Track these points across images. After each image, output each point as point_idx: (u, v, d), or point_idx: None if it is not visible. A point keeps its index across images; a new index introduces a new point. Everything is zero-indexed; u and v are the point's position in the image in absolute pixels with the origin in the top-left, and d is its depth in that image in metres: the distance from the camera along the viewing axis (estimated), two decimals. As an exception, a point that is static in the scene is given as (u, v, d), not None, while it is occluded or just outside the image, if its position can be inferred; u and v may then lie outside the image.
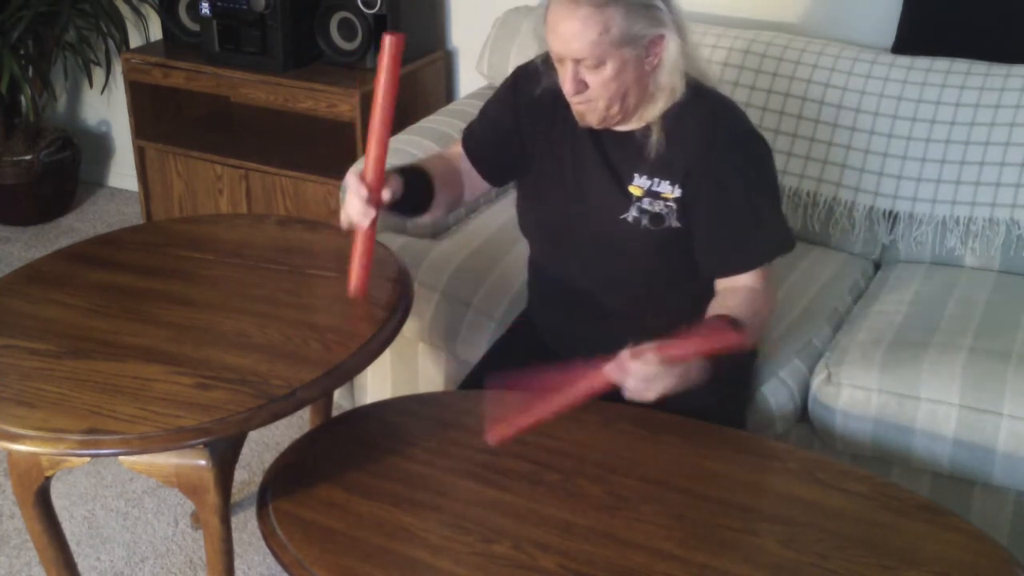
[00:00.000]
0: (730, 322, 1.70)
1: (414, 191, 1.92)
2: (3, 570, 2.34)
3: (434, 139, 2.66)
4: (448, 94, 3.40)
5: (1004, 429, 1.97)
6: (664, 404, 1.83)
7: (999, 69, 2.45)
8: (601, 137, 1.90)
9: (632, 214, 1.88)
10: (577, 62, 1.77)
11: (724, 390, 2.03)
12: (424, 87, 3.27)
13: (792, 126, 2.54)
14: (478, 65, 3.02)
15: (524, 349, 2.06)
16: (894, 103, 2.48)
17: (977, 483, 2.04)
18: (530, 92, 1.97)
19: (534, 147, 1.99)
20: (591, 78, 1.78)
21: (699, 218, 1.86)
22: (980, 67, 2.47)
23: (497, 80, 2.96)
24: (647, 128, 1.86)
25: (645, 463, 1.72)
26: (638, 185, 1.88)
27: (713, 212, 1.85)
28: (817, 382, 2.12)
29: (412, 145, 2.62)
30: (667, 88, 1.82)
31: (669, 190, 1.86)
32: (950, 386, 2.02)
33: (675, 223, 1.87)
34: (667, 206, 1.86)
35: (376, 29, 3.11)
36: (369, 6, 3.08)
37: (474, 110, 2.84)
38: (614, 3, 1.73)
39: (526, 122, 1.99)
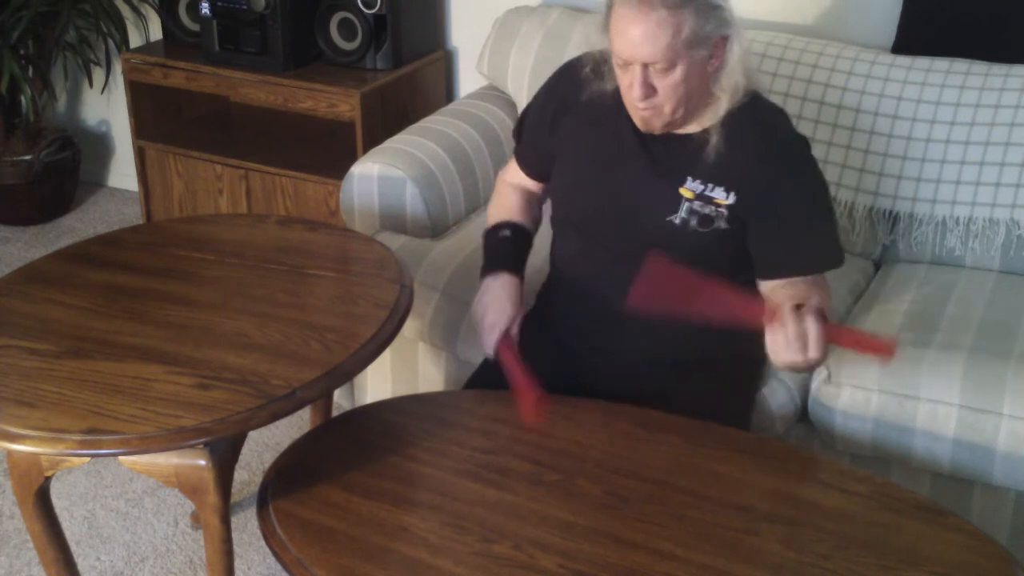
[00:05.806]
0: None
1: (523, 257, 2.07)
2: (3, 570, 2.34)
3: (433, 139, 2.66)
4: (448, 94, 3.40)
5: (1004, 429, 1.97)
6: (669, 404, 1.84)
7: (999, 69, 2.45)
8: (647, 139, 1.89)
9: (681, 215, 1.86)
10: (646, 66, 1.74)
11: (734, 390, 2.03)
12: (424, 87, 3.27)
13: (792, 126, 2.54)
14: (478, 65, 3.01)
15: (532, 346, 2.04)
16: (894, 103, 2.48)
17: (977, 483, 2.03)
18: (570, 95, 1.96)
19: (568, 145, 1.98)
20: (659, 82, 1.76)
21: (753, 225, 1.85)
22: (980, 67, 2.46)
23: (497, 80, 2.96)
24: (706, 132, 1.84)
25: (645, 463, 1.72)
26: (690, 188, 1.86)
27: (768, 220, 1.84)
28: (817, 382, 2.12)
29: (411, 145, 2.62)
30: (729, 90, 1.80)
31: (723, 196, 1.84)
32: (950, 386, 2.02)
33: (724, 225, 1.85)
34: (718, 211, 1.85)
35: (376, 29, 3.11)
36: (369, 6, 3.07)
37: (474, 110, 2.87)
38: (686, 4, 1.70)
39: (564, 124, 1.98)
